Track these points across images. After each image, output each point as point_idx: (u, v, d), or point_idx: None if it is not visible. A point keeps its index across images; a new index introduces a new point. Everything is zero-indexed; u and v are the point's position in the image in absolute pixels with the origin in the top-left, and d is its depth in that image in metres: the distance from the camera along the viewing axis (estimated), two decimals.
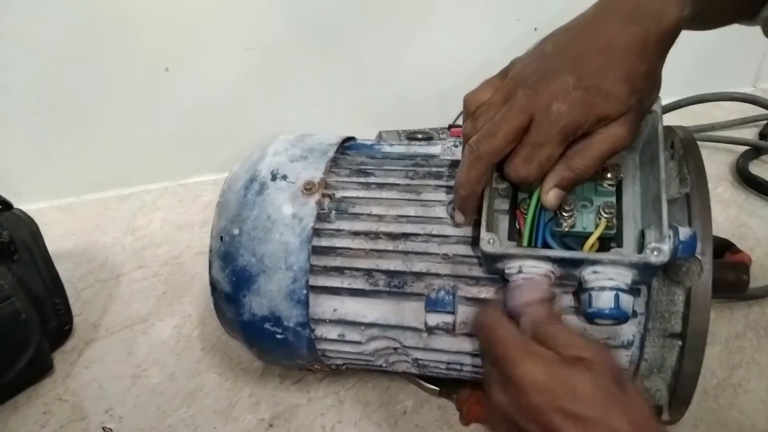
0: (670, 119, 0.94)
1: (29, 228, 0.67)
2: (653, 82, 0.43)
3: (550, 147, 0.41)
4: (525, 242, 0.44)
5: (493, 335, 0.42)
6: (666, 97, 0.46)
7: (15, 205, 0.70)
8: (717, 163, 0.92)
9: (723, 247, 0.72)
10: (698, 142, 0.50)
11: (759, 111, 0.96)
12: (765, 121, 0.96)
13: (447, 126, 1.02)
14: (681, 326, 0.46)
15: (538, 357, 0.39)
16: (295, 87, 0.94)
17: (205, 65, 0.88)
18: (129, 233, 0.87)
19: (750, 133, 0.97)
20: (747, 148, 0.91)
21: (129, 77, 0.87)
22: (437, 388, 0.63)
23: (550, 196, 0.43)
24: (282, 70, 0.92)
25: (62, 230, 0.88)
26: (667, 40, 0.41)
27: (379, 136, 1.00)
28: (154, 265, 0.81)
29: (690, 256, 0.42)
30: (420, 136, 1.01)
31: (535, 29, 0.95)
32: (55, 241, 0.83)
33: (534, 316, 0.41)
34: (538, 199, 0.44)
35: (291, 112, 0.96)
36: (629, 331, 0.47)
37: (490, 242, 0.42)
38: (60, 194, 0.94)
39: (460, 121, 1.02)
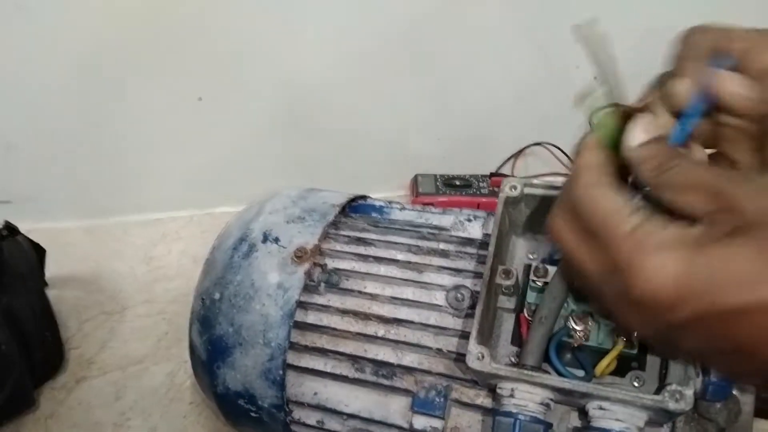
0: None
1: (26, 257, 0.65)
2: None
3: None
4: None
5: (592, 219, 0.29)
6: None
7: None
8: None
9: None
10: None
11: None
12: None
13: (488, 174, 0.95)
14: None
15: (663, 252, 0.26)
16: (330, 125, 0.90)
17: (238, 98, 0.85)
18: (144, 263, 0.85)
19: None
20: None
21: (163, 105, 0.85)
22: None
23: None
24: (318, 109, 0.88)
25: (81, 253, 0.86)
26: None
27: (415, 179, 0.94)
28: (161, 301, 0.78)
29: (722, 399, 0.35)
30: (458, 182, 0.95)
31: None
32: (72, 264, 0.83)
33: (653, 158, 0.29)
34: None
35: (324, 150, 0.92)
36: None
37: (479, 357, 0.36)
38: (86, 215, 0.93)
39: (503, 170, 0.97)
